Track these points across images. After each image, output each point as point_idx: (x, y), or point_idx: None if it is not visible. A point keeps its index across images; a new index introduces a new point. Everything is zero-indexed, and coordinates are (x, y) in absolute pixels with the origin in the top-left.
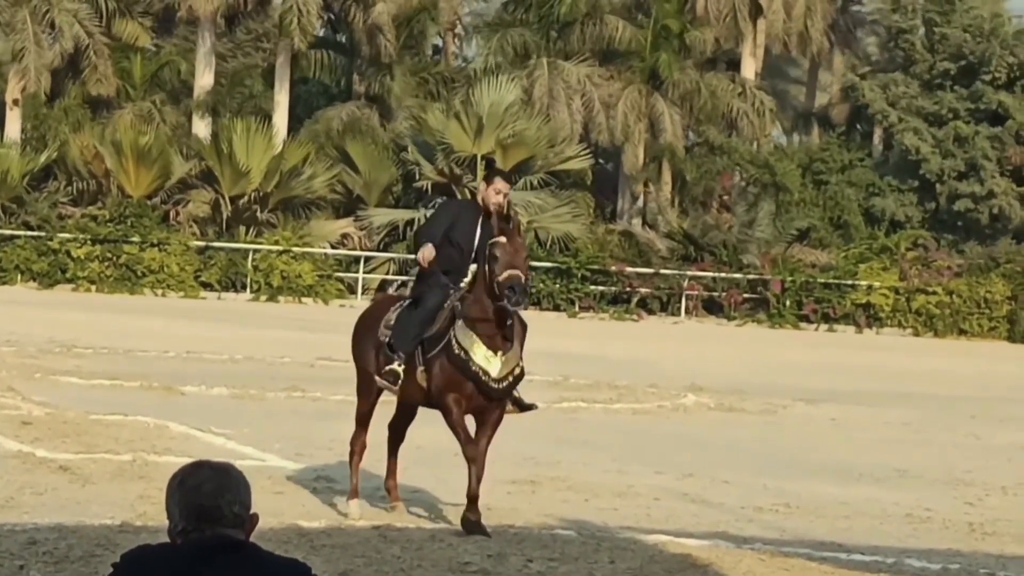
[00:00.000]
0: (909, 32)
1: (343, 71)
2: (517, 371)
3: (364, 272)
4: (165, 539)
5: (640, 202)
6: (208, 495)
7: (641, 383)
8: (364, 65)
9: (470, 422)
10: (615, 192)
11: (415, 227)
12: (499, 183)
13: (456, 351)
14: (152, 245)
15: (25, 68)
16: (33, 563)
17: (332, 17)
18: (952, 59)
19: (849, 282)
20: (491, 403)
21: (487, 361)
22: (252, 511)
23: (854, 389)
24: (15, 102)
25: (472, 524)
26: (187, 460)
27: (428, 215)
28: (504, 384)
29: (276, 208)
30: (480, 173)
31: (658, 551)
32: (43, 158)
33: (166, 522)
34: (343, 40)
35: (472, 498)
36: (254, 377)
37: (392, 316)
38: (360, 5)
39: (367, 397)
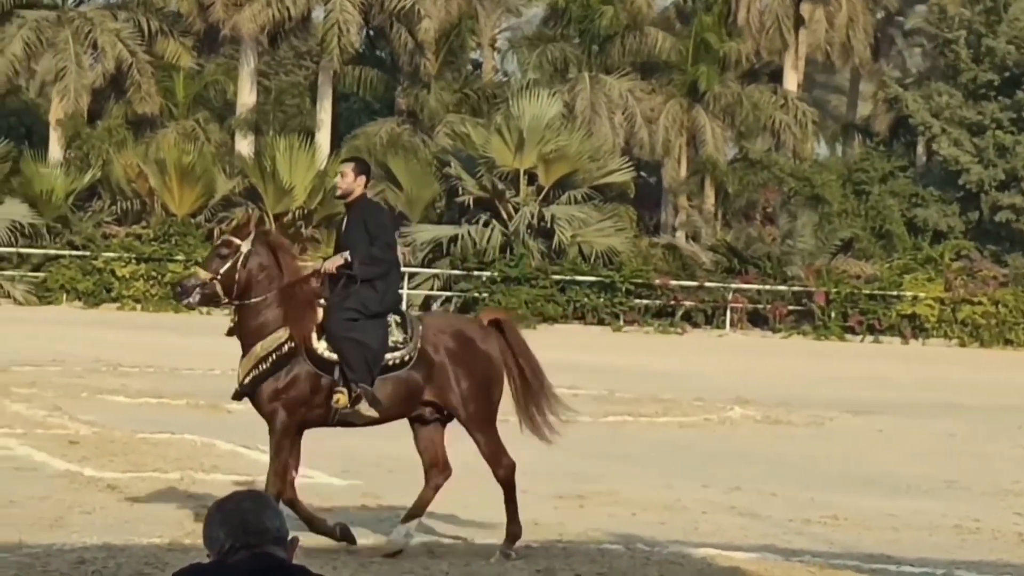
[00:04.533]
0: (954, 43)
1: (385, 87)
2: (257, 372)
3: (408, 288)
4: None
5: (683, 215)
6: (250, 511)
7: (687, 396)
8: (405, 81)
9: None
10: (658, 205)
11: (459, 243)
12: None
13: None
14: (197, 263)
15: (66, 88)
16: None
17: (373, 33)
18: (996, 70)
19: (894, 293)
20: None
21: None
22: (291, 536)
23: (900, 401)
24: (58, 122)
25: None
26: (235, 477)
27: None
28: (239, 387)
29: (320, 225)
30: (523, 189)
31: (707, 565)
32: (87, 178)
33: None
34: (384, 56)
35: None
36: None
37: None
38: (403, 22)
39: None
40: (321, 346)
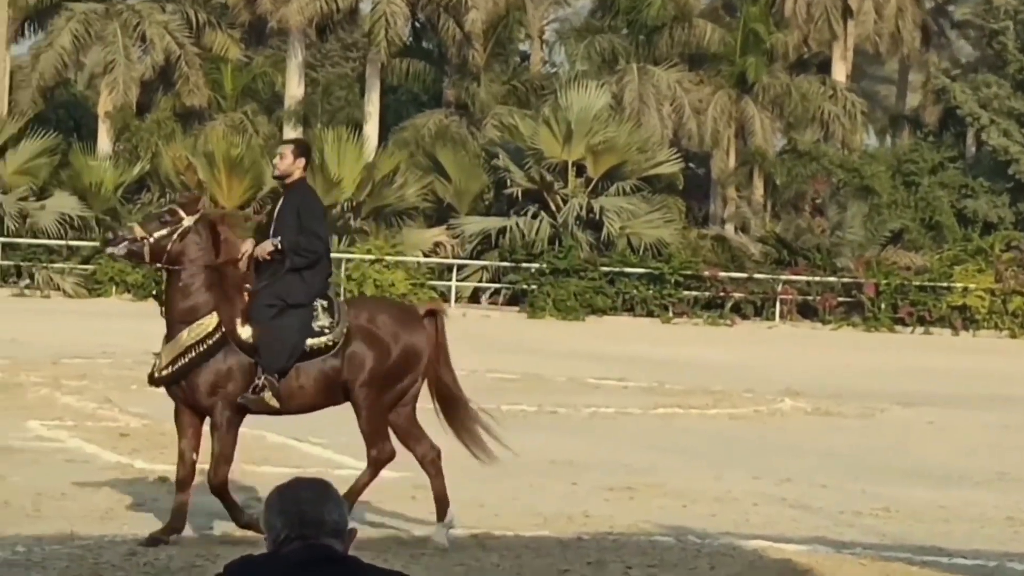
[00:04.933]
0: (1001, 33)
1: (432, 79)
2: (183, 362)
3: (457, 280)
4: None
5: (732, 206)
6: (309, 501)
7: (737, 388)
8: (453, 73)
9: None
10: (706, 196)
11: (507, 234)
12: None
13: None
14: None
15: (115, 80)
16: (134, 574)
17: (420, 25)
18: None
19: (944, 284)
20: (175, 397)
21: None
22: (349, 526)
23: (951, 392)
24: (106, 115)
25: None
26: (285, 470)
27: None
28: (159, 374)
29: (368, 217)
30: (572, 180)
31: (758, 556)
32: (136, 170)
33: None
34: (432, 48)
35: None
36: None
37: None
38: (451, 14)
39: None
40: (245, 332)
